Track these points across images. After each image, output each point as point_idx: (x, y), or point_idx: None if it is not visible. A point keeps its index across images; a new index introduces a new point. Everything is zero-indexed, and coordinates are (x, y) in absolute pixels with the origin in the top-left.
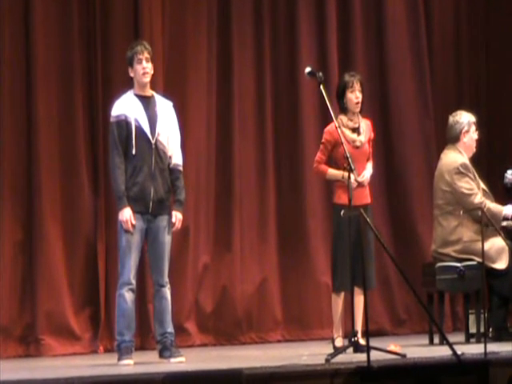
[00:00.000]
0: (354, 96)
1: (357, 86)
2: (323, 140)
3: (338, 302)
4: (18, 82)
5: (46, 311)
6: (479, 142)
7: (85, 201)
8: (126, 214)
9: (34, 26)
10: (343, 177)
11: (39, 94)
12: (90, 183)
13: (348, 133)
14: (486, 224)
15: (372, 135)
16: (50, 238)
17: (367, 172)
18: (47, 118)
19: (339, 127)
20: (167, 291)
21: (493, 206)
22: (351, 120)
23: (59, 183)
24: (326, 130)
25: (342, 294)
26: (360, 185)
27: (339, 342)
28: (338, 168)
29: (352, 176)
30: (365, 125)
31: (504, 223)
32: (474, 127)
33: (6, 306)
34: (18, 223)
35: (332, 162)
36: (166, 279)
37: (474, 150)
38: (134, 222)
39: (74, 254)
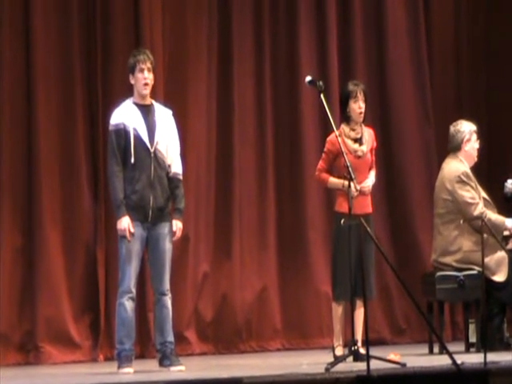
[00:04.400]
0: (357, 106)
1: (360, 96)
2: (325, 149)
3: (338, 310)
4: (18, 90)
5: (46, 318)
6: (479, 150)
7: (85, 208)
8: (124, 223)
9: (34, 34)
10: (343, 186)
11: (39, 101)
12: (90, 190)
13: (350, 143)
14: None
15: (374, 144)
16: (49, 245)
17: (369, 181)
18: (47, 124)
19: (339, 136)
20: (168, 300)
21: (494, 216)
22: (353, 130)
23: (59, 190)
24: (328, 139)
25: (343, 303)
26: (361, 193)
27: (339, 351)
28: (339, 177)
29: (352, 185)
30: (367, 134)
31: (506, 232)
32: (475, 136)
33: (5, 313)
34: (18, 229)
35: (334, 170)
36: (167, 287)
37: (476, 159)
38: (132, 231)
39: (73, 261)
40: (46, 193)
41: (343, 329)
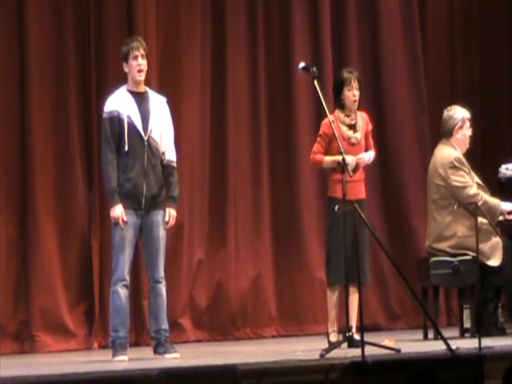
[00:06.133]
0: (352, 94)
1: (354, 84)
2: (320, 132)
3: (333, 297)
4: (11, 79)
5: (41, 308)
6: (473, 136)
7: (79, 197)
8: (118, 211)
9: (27, 23)
10: (339, 163)
11: (33, 90)
12: (84, 179)
13: (344, 129)
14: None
15: (370, 127)
16: (44, 235)
17: (366, 155)
18: (41, 114)
19: (333, 122)
20: (162, 288)
21: (490, 199)
22: (348, 116)
23: (53, 179)
24: (323, 122)
25: (337, 289)
26: (357, 165)
27: (334, 337)
28: None
29: (346, 169)
30: (361, 120)
31: (501, 218)
32: (468, 123)
33: (0, 303)
34: (12, 220)
35: (328, 155)
36: (162, 275)
37: (468, 146)
38: (125, 219)
39: (68, 251)
40: (39, 183)
41: (338, 315)
